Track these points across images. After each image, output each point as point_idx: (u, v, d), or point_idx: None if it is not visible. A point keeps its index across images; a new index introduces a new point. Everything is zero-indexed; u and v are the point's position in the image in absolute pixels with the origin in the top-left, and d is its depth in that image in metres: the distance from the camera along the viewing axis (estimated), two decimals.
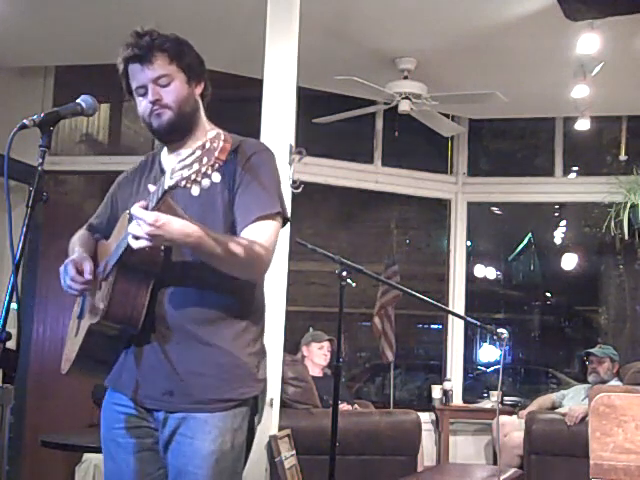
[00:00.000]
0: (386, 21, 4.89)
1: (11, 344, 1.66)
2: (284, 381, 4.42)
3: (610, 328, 7.54)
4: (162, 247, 1.89)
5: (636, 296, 7.09)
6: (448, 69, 5.59)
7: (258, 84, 4.16)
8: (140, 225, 1.73)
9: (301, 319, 7.55)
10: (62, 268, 2.00)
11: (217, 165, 1.59)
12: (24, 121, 1.78)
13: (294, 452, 4.16)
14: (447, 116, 6.18)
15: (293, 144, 4.14)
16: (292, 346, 5.22)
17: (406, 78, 5.46)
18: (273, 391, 4.05)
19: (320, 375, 5.19)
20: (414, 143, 7.06)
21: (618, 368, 5.60)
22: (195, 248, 1.82)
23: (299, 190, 4.15)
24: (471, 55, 5.33)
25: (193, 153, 1.61)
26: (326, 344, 5.26)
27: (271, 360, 4.03)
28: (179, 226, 1.76)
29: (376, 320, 6.25)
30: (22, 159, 2.62)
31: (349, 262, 3.30)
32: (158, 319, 1.95)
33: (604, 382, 5.41)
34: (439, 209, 7.16)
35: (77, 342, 2.01)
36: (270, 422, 4.03)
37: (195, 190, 1.61)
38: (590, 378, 5.57)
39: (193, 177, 1.59)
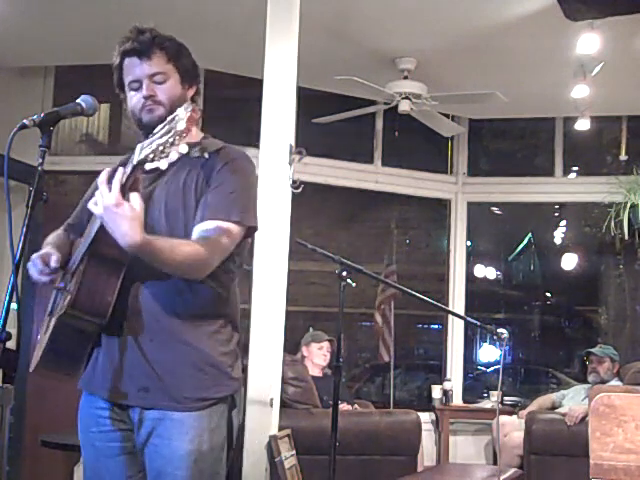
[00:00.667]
0: (386, 21, 4.89)
1: (11, 344, 1.66)
2: (284, 381, 4.42)
3: (610, 328, 7.54)
4: None
5: (636, 296, 7.09)
6: (448, 69, 5.59)
7: (258, 84, 4.16)
8: (103, 196, 1.73)
9: (301, 319, 7.55)
10: (29, 264, 1.98)
11: (184, 135, 1.59)
12: (24, 121, 1.78)
13: (294, 452, 4.16)
14: (447, 116, 6.18)
15: (293, 144, 4.14)
16: (292, 346, 5.22)
17: (406, 78, 5.46)
18: (273, 391, 4.06)
19: (320, 375, 5.19)
20: (414, 143, 7.06)
21: (618, 368, 5.60)
22: (132, 252, 1.80)
23: (299, 190, 4.16)
24: (471, 55, 5.33)
25: (162, 128, 1.62)
26: (326, 344, 5.26)
27: (271, 360, 4.07)
28: (125, 229, 1.72)
29: (377, 317, 6.27)
30: (22, 159, 2.62)
31: (349, 262, 3.30)
32: (133, 314, 1.94)
33: (604, 382, 5.42)
34: (439, 209, 7.16)
35: (45, 337, 2.00)
36: (270, 422, 4.03)
37: (163, 163, 1.61)
38: (590, 378, 5.57)
39: (161, 149, 1.59)
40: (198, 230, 1.92)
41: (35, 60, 5.74)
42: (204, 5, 4.65)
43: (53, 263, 1.95)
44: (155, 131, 1.64)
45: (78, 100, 1.92)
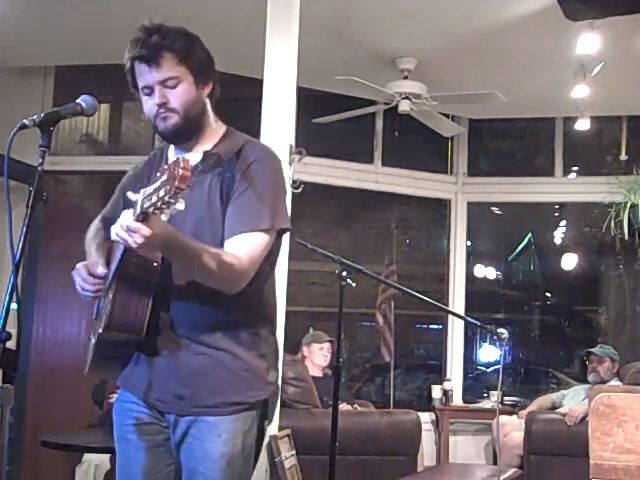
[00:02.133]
0: (386, 21, 4.89)
1: (11, 344, 1.66)
2: (284, 381, 4.42)
3: (610, 328, 7.54)
4: (158, 258, 1.89)
5: (636, 296, 7.09)
6: (448, 69, 5.59)
7: (258, 84, 4.16)
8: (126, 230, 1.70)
9: (301, 319, 7.54)
10: (74, 272, 1.97)
11: (179, 194, 1.56)
12: (24, 121, 1.77)
13: (294, 452, 4.16)
14: (447, 116, 6.18)
15: (293, 144, 4.14)
16: (292, 346, 5.21)
17: (406, 78, 5.47)
18: None
19: (320, 375, 5.19)
20: (414, 143, 7.05)
21: (618, 368, 5.60)
22: (167, 256, 1.82)
23: (299, 190, 4.16)
24: (471, 55, 5.33)
25: (160, 177, 1.60)
26: (327, 345, 5.26)
27: None
28: (143, 232, 1.68)
29: (378, 317, 6.27)
30: (22, 159, 2.61)
31: (349, 262, 3.30)
32: (167, 326, 1.95)
33: (604, 382, 5.42)
34: (439, 209, 7.16)
35: (91, 346, 2.03)
36: None
37: (164, 217, 1.62)
38: (590, 377, 5.57)
39: (159, 205, 1.58)
40: (230, 245, 1.89)
41: (35, 60, 5.75)
42: (204, 5, 4.65)
43: (99, 271, 1.94)
44: (157, 177, 1.62)
45: (78, 100, 1.91)
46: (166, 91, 1.95)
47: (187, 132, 1.99)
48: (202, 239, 1.89)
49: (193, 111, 1.98)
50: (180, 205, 1.59)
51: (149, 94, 1.97)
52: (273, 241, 1.97)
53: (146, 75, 1.95)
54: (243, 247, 1.88)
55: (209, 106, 2.05)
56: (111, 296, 1.89)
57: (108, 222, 2.12)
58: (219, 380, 1.94)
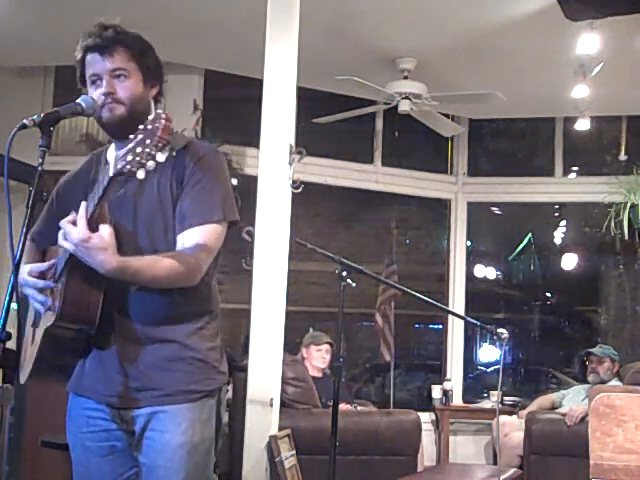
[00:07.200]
0: (386, 21, 4.89)
1: (11, 344, 1.66)
2: (284, 381, 4.42)
3: (610, 328, 7.54)
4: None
5: (636, 296, 7.09)
6: (448, 69, 5.59)
7: (258, 84, 4.16)
8: (70, 233, 1.76)
9: (301, 319, 7.54)
10: (24, 287, 1.94)
11: (160, 145, 1.60)
12: (24, 121, 1.77)
13: (294, 452, 4.16)
14: (447, 116, 6.18)
15: (293, 144, 4.14)
16: (292, 346, 5.21)
17: (406, 78, 5.47)
18: (273, 391, 4.06)
19: (319, 376, 5.17)
20: (414, 143, 7.06)
21: (618, 368, 5.60)
22: (111, 277, 1.84)
23: (299, 190, 4.16)
24: (471, 55, 5.33)
25: (135, 137, 1.62)
26: (325, 346, 5.22)
27: (271, 360, 4.07)
28: (100, 259, 1.77)
29: (378, 317, 6.27)
30: (22, 159, 2.61)
31: (349, 262, 3.30)
32: (120, 321, 1.95)
33: (604, 382, 5.41)
34: (439, 209, 7.16)
35: (34, 349, 1.98)
36: (270, 422, 4.03)
37: (140, 174, 1.62)
38: (590, 378, 5.57)
39: (137, 159, 1.60)
40: (183, 240, 1.92)
41: (35, 60, 5.75)
42: (204, 5, 4.65)
43: (44, 266, 1.95)
44: (130, 139, 1.64)
45: (78, 100, 1.92)
46: (114, 82, 1.96)
47: (131, 126, 1.87)
48: (154, 233, 1.94)
49: (139, 107, 1.98)
50: (160, 157, 1.62)
51: (96, 83, 1.97)
52: (225, 233, 1.99)
53: (97, 64, 1.97)
54: (197, 241, 1.91)
55: (154, 108, 2.05)
56: (62, 286, 1.86)
57: (40, 238, 2.12)
58: (175, 370, 1.95)
